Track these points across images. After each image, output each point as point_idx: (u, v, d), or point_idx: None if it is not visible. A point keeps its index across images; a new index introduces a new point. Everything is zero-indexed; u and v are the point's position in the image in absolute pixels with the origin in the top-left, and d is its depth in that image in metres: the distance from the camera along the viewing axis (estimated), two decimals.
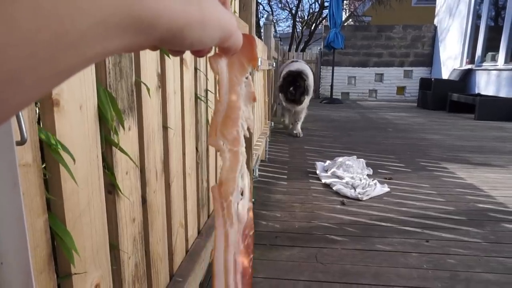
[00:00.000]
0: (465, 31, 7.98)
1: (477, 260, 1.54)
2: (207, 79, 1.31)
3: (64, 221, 0.52)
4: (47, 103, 0.48)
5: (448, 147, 3.78)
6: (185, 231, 1.13)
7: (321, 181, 2.59)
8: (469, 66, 7.62)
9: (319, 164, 2.88)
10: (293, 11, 13.71)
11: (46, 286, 0.49)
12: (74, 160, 0.52)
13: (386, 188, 2.40)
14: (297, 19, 14.01)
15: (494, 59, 6.99)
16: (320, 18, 13.14)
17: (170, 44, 0.19)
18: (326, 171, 2.75)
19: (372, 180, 2.49)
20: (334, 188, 2.41)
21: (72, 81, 0.52)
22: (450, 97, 6.87)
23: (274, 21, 14.26)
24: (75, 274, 0.55)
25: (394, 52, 9.54)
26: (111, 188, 0.66)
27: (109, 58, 0.62)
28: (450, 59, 8.55)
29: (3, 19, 0.12)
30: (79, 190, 0.55)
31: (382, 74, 9.67)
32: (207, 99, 1.32)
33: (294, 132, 4.23)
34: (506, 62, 6.59)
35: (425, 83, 7.73)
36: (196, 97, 1.18)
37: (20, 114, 0.41)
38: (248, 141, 1.64)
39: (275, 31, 14.70)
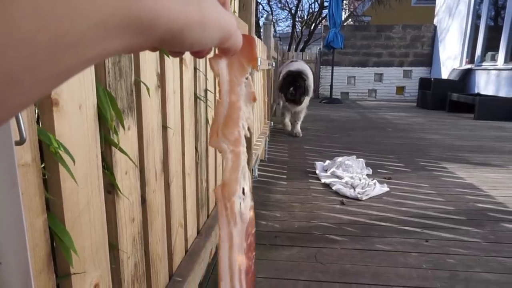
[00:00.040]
0: (464, 31, 7.98)
1: (477, 260, 1.54)
2: (206, 78, 1.31)
3: (63, 221, 0.52)
4: (46, 103, 0.48)
5: (447, 147, 3.78)
6: (185, 231, 1.13)
7: (320, 181, 2.59)
8: (469, 66, 7.63)
9: (318, 164, 2.88)
10: (293, 11, 13.72)
11: (45, 286, 0.49)
12: (74, 161, 0.52)
13: (385, 188, 2.40)
14: (297, 19, 14.03)
15: (493, 58, 6.99)
16: (320, 18, 13.15)
17: (170, 45, 0.19)
18: (326, 171, 2.75)
19: (372, 180, 2.49)
20: (333, 188, 2.41)
21: (71, 81, 0.52)
22: (449, 97, 6.87)
23: (274, 21, 14.25)
24: (74, 274, 0.54)
25: (393, 52, 9.54)
26: (111, 188, 0.66)
27: (108, 58, 0.62)
28: (450, 59, 8.55)
29: (2, 19, 0.12)
30: (78, 190, 0.55)
31: (381, 74, 9.67)
32: (206, 99, 1.32)
33: (294, 131, 4.23)
34: (505, 61, 6.60)
35: (424, 83, 7.74)
36: (196, 97, 1.18)
37: (19, 114, 0.41)
38: (248, 141, 1.64)
39: (275, 31, 14.70)
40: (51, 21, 0.13)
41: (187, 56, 1.07)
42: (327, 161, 2.93)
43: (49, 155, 0.50)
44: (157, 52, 0.84)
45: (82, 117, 0.55)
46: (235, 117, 0.32)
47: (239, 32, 0.26)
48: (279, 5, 14.64)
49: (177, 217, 1.04)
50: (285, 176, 2.73)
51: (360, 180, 2.48)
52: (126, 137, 0.70)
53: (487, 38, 7.39)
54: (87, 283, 0.58)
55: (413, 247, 1.66)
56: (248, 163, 0.41)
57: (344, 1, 11.40)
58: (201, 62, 1.23)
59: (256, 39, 2.63)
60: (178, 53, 0.26)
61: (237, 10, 1.82)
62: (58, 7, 0.13)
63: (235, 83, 0.32)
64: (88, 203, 0.57)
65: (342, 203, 2.19)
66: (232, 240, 0.33)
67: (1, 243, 0.40)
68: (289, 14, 14.22)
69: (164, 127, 0.91)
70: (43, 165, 0.50)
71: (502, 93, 6.39)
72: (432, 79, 7.54)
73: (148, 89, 0.78)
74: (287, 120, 4.27)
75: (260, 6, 13.69)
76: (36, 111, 0.49)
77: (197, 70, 1.18)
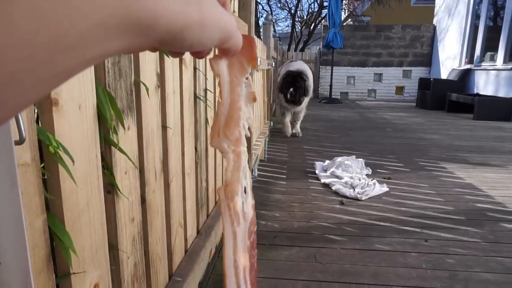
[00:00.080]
0: (464, 31, 7.99)
1: (476, 260, 1.54)
2: (206, 78, 1.31)
3: (63, 221, 0.52)
4: (46, 103, 0.48)
5: (447, 147, 3.79)
6: (184, 231, 1.13)
7: (320, 181, 2.59)
8: (468, 66, 7.63)
9: (318, 164, 2.88)
10: (292, 11, 13.72)
11: (44, 286, 0.49)
12: (73, 161, 0.52)
13: (385, 188, 2.40)
14: (296, 19, 14.02)
15: (493, 59, 7.00)
16: (319, 18, 13.15)
17: (170, 45, 0.19)
18: (325, 170, 2.76)
19: (371, 180, 2.49)
20: (333, 188, 2.41)
21: (71, 81, 0.51)
22: (449, 97, 6.88)
23: (273, 20, 14.26)
24: (74, 273, 0.54)
25: (393, 52, 9.55)
26: (110, 187, 0.66)
27: (108, 58, 0.62)
28: (449, 59, 8.56)
29: (2, 19, 0.12)
30: (78, 189, 0.55)
31: (381, 74, 9.68)
32: (206, 99, 1.32)
33: (293, 131, 4.22)
34: (505, 62, 6.60)
35: (424, 83, 7.74)
36: (195, 97, 1.18)
37: (19, 113, 0.41)
38: (248, 141, 1.64)
39: (274, 30, 14.70)
40: (50, 22, 0.13)
41: (187, 56, 1.07)
42: (327, 161, 2.93)
43: (48, 155, 0.50)
44: (157, 52, 0.84)
45: (82, 117, 0.55)
46: (236, 117, 0.32)
47: (239, 32, 0.26)
48: (279, 5, 14.63)
49: (176, 217, 1.04)
50: (284, 176, 2.73)
51: (359, 180, 2.48)
52: (126, 137, 0.70)
53: (487, 38, 7.40)
54: (86, 283, 0.58)
55: (413, 247, 1.66)
56: (249, 162, 0.41)
57: (344, 1, 11.40)
58: (200, 62, 1.23)
59: (256, 39, 2.63)
60: (178, 54, 0.26)
61: (236, 10, 1.82)
62: (57, 8, 0.13)
63: (236, 83, 0.32)
64: (87, 203, 0.57)
65: (342, 203, 2.19)
66: (236, 239, 0.33)
67: (0, 243, 0.40)
68: (289, 14, 14.22)
69: (164, 127, 0.91)
70: (42, 165, 0.50)
71: (501, 93, 6.40)
72: (432, 79, 7.55)
73: (147, 89, 0.78)
74: (288, 121, 4.18)
75: (260, 6, 13.68)
76: (36, 111, 0.49)
77: (197, 70, 1.18)
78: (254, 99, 0.34)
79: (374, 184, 2.43)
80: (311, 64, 9.15)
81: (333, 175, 2.64)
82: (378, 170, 2.85)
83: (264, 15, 4.34)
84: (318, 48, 10.19)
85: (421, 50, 9.51)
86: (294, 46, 13.46)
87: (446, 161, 3.17)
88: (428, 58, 9.51)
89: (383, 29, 9.52)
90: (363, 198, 2.24)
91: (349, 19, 13.48)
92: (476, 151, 3.61)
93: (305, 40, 13.53)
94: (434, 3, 9.71)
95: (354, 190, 2.34)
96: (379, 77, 9.71)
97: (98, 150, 0.60)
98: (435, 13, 9.55)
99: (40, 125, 0.49)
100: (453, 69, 8.03)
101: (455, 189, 2.46)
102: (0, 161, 0.38)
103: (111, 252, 0.67)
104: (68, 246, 0.51)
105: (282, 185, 2.52)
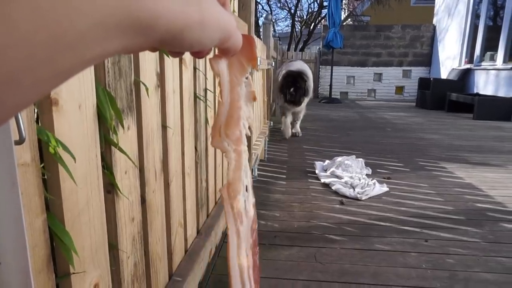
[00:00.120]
0: (464, 30, 7.99)
1: (476, 260, 1.54)
2: (206, 78, 1.31)
3: (63, 220, 0.52)
4: (46, 103, 0.48)
5: (446, 146, 3.79)
6: (184, 230, 1.13)
7: (320, 180, 2.59)
8: (468, 66, 7.63)
9: (318, 164, 2.88)
10: (292, 11, 13.72)
11: (44, 285, 0.49)
12: (74, 159, 0.52)
13: (385, 188, 2.40)
14: (296, 19, 14.02)
15: (492, 58, 7.00)
16: (319, 18, 13.15)
17: (170, 45, 0.19)
18: (325, 170, 2.76)
19: (371, 180, 2.49)
20: (333, 187, 2.41)
21: (71, 81, 0.51)
22: (448, 97, 6.88)
23: (273, 20, 14.26)
24: (74, 273, 0.54)
25: (393, 52, 9.55)
26: (110, 187, 0.66)
27: (108, 58, 0.62)
28: (449, 59, 8.56)
29: (2, 19, 0.12)
30: (78, 189, 0.55)
31: (381, 74, 9.68)
32: (206, 99, 1.32)
33: (293, 131, 4.22)
34: (504, 61, 6.61)
35: (424, 83, 7.75)
36: (195, 97, 1.18)
37: (19, 113, 0.41)
38: (248, 140, 1.64)
39: (274, 30, 14.70)
40: (50, 21, 0.13)
41: (187, 56, 1.07)
42: (327, 161, 2.93)
43: (48, 155, 0.50)
44: (157, 52, 0.84)
45: (82, 116, 0.55)
46: (236, 117, 0.32)
47: (239, 32, 0.26)
48: (279, 5, 14.63)
49: (176, 216, 1.04)
50: (284, 176, 2.73)
51: (359, 180, 2.48)
52: (126, 137, 0.70)
53: (486, 38, 7.40)
54: (86, 282, 0.58)
55: (413, 247, 1.66)
56: (249, 161, 0.42)
57: (344, 1, 11.40)
58: (200, 61, 1.23)
59: (256, 38, 2.63)
60: (178, 53, 0.26)
61: (236, 9, 1.82)
62: (57, 7, 0.13)
63: (235, 83, 0.32)
64: (87, 202, 0.57)
65: (342, 203, 2.19)
66: (240, 238, 0.33)
67: (0, 243, 0.40)
68: (289, 14, 14.22)
69: (164, 127, 0.91)
70: (42, 165, 0.50)
71: (501, 93, 6.40)
72: (431, 79, 7.55)
73: (147, 89, 0.78)
74: (288, 123, 4.08)
75: (260, 5, 13.68)
76: (36, 110, 0.49)
77: (197, 70, 1.18)
78: (254, 98, 0.34)
79: (374, 184, 2.43)
80: (311, 64, 9.16)
81: (333, 175, 2.64)
82: (378, 170, 2.85)
83: (264, 15, 4.34)
84: (318, 48, 10.19)
85: (421, 50, 9.51)
86: (294, 46, 13.47)
87: (446, 161, 3.17)
88: (428, 58, 9.51)
89: (383, 29, 9.52)
90: (363, 198, 2.24)
91: (349, 19, 13.48)
92: (476, 151, 3.61)
93: (305, 40, 13.53)
94: (434, 3, 9.71)
95: (354, 190, 2.34)
96: (379, 77, 9.71)
97: (98, 150, 0.60)
98: (435, 13, 9.55)
99: (40, 125, 0.48)
100: (453, 69, 8.04)
101: (455, 189, 2.46)
102: (0, 161, 0.38)
103: (111, 252, 0.67)
104: (69, 246, 0.51)
105: (282, 185, 2.52)
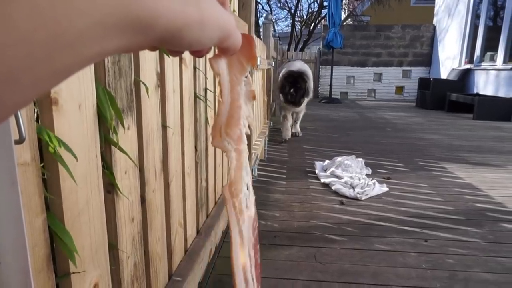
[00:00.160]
0: (464, 31, 7.99)
1: (476, 260, 1.54)
2: (206, 78, 1.31)
3: (63, 220, 0.52)
4: (46, 102, 0.48)
5: (446, 146, 3.79)
6: (184, 230, 1.13)
7: (320, 180, 2.59)
8: (468, 66, 7.63)
9: (318, 164, 2.88)
10: (292, 11, 13.72)
11: (44, 285, 0.49)
12: (76, 158, 0.52)
13: (385, 188, 2.40)
14: (296, 19, 14.03)
15: (492, 59, 7.00)
16: (319, 18, 13.15)
17: (169, 44, 0.19)
18: (325, 170, 2.76)
19: (371, 180, 2.49)
20: (333, 187, 2.41)
21: (70, 80, 0.51)
22: (448, 97, 6.88)
23: (273, 20, 14.26)
24: (74, 273, 0.54)
25: (393, 52, 9.55)
26: (110, 187, 0.66)
27: (108, 57, 0.62)
28: (449, 59, 8.56)
29: (1, 18, 0.12)
30: (78, 189, 0.55)
31: (381, 74, 9.68)
32: (206, 98, 1.32)
33: (293, 131, 4.21)
34: (504, 62, 6.61)
35: (423, 83, 7.74)
36: (195, 96, 1.18)
37: (19, 112, 0.41)
38: (248, 140, 1.64)
39: (274, 30, 14.70)
40: (49, 20, 0.13)
41: (187, 55, 1.07)
42: (327, 161, 2.93)
43: (48, 154, 0.50)
44: (157, 52, 0.84)
45: (82, 116, 0.55)
46: (236, 116, 0.32)
47: (238, 31, 0.26)
48: (279, 5, 14.64)
49: (176, 216, 1.04)
50: (284, 176, 2.73)
51: (359, 180, 2.48)
52: (126, 137, 0.70)
53: (486, 38, 7.40)
54: (86, 282, 0.58)
55: (412, 247, 1.66)
56: (249, 159, 0.42)
57: (344, 1, 11.41)
58: (200, 61, 1.23)
59: (256, 38, 2.63)
60: (178, 53, 0.26)
61: (236, 9, 1.82)
62: (56, 6, 0.13)
63: (235, 82, 0.32)
64: (87, 202, 0.57)
65: (342, 203, 2.19)
66: (243, 237, 0.33)
67: (0, 243, 0.40)
68: (289, 14, 14.22)
69: (164, 127, 0.91)
70: (42, 164, 0.50)
71: (501, 93, 6.40)
72: (431, 79, 7.55)
73: (147, 89, 0.78)
74: (288, 125, 4.00)
75: (260, 5, 13.69)
76: (36, 110, 0.49)
77: (197, 69, 1.18)
78: (254, 98, 0.34)
79: (374, 184, 2.43)
80: (311, 64, 9.16)
81: (333, 175, 2.64)
82: (378, 170, 2.85)
83: (264, 15, 4.34)
84: (318, 47, 10.19)
85: (421, 50, 9.51)
86: (294, 46, 13.47)
87: (445, 161, 3.17)
88: (428, 58, 9.51)
89: (383, 29, 9.52)
90: (363, 198, 2.24)
91: (349, 19, 13.48)
92: (475, 151, 3.61)
93: (305, 39, 13.54)
94: (434, 3, 9.71)
95: (354, 190, 2.34)
96: (379, 77, 9.71)
97: (98, 149, 0.60)
98: (435, 13, 9.55)
99: (40, 124, 0.48)
100: (453, 69, 8.04)
101: (454, 189, 2.46)
102: (0, 160, 0.38)
103: (111, 251, 0.67)
104: (69, 246, 0.51)
105: (282, 185, 2.52)
